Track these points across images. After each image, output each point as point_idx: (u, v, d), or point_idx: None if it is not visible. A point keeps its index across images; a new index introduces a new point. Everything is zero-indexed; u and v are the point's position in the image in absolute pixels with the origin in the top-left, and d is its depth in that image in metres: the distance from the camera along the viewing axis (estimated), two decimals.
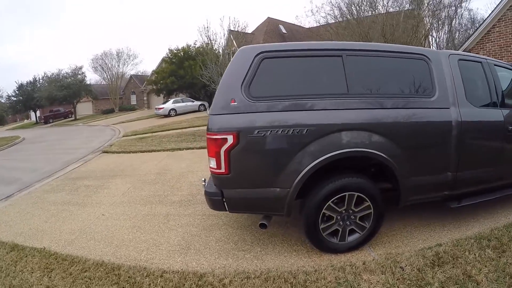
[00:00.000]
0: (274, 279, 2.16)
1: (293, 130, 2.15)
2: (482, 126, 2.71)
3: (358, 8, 9.24)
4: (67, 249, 2.85)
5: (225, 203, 2.29)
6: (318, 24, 12.45)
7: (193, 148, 7.88)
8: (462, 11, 10.90)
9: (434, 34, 8.82)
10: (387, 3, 8.93)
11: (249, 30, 10.88)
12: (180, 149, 7.93)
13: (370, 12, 9.19)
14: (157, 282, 2.19)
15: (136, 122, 19.04)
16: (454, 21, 8.99)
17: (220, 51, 11.04)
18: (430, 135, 2.51)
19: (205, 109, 21.58)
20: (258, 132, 2.13)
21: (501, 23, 7.24)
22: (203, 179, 3.21)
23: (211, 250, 2.67)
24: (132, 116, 24.79)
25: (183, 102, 21.08)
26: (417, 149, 2.49)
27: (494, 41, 7.36)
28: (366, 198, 2.41)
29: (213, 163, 2.22)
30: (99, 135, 13.83)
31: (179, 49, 23.24)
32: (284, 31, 25.14)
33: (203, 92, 23.41)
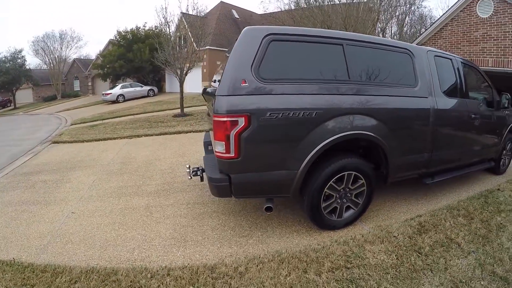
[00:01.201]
0: (288, 260, 2.17)
1: (303, 112, 2.15)
2: (452, 113, 3.11)
3: None
4: (42, 258, 2.38)
5: (232, 188, 2.18)
6: (279, 10, 12.38)
7: (151, 135, 7.45)
8: (415, 8, 11.99)
9: (388, 28, 9.59)
10: None
11: (201, 14, 10.28)
12: (138, 136, 7.39)
13: (331, 1, 9.47)
14: (166, 282, 1.97)
15: (82, 109, 17.54)
16: (407, 17, 9.87)
17: (171, 33, 10.27)
18: (413, 120, 2.81)
19: (154, 94, 20.62)
20: (270, 114, 2.07)
21: (454, 22, 8.14)
22: (187, 165, 3.10)
23: (210, 240, 2.54)
24: (76, 103, 22.85)
25: (131, 87, 19.79)
26: (403, 132, 2.75)
27: (446, 38, 8.27)
28: (361, 177, 2.57)
29: (220, 147, 2.07)
30: (44, 124, 12.20)
31: (128, 31, 21.73)
32: (236, 16, 24.65)
33: (151, 76, 22.37)
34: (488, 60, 7.16)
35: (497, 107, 3.63)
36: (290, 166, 2.23)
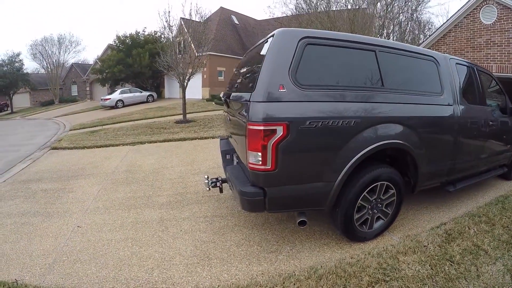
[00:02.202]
0: (326, 276, 2.05)
1: (342, 121, 2.05)
2: (473, 121, 3.09)
3: (325, 5, 9.46)
4: (48, 279, 2.16)
5: (266, 202, 2.03)
6: (285, 15, 12.33)
7: (155, 142, 7.24)
8: (417, 16, 12.20)
9: (392, 34, 9.68)
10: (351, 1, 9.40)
11: (196, 19, 10.19)
12: (141, 142, 7.17)
13: (337, 7, 9.51)
14: None
15: (81, 114, 17.22)
16: (409, 23, 10.01)
17: (173, 38, 10.13)
18: (440, 128, 2.77)
19: (153, 100, 20.53)
20: (309, 123, 1.94)
21: (457, 28, 8.28)
22: (205, 176, 2.97)
23: (237, 257, 2.38)
24: (74, 108, 22.46)
25: (130, 92, 19.58)
26: (431, 140, 2.69)
27: (449, 45, 8.40)
28: (392, 186, 2.50)
29: (255, 158, 1.93)
30: (42, 129, 11.84)
31: (127, 36, 21.57)
32: (236, 21, 24.73)
33: (150, 82, 22.28)
34: (492, 66, 7.29)
35: (510, 113, 3.63)
36: (327, 178, 2.12)
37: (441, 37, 8.49)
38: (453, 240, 2.54)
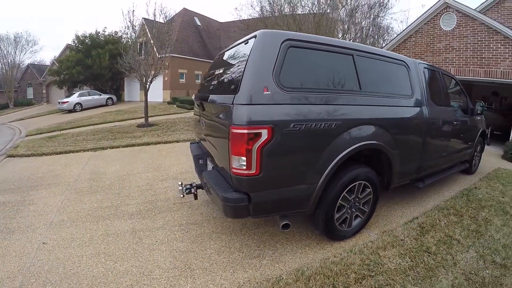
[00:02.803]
0: (314, 277, 2.08)
1: (324, 124, 2.10)
2: (440, 121, 3.36)
3: (291, 8, 9.69)
4: None
5: (250, 208, 2.00)
6: (251, 17, 12.41)
7: (118, 147, 6.88)
8: (379, 21, 12.92)
9: (357, 38, 10.16)
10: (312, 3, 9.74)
11: (160, 19, 9.94)
12: (103, 148, 6.76)
13: (302, 10, 9.79)
14: None
15: (37, 118, 16.16)
16: (371, 28, 10.62)
17: (136, 38, 9.73)
18: (412, 128, 2.97)
19: (113, 103, 19.86)
20: (293, 125, 1.96)
21: (418, 34, 8.92)
22: (179, 182, 2.90)
23: (220, 265, 2.31)
24: (30, 111, 21.16)
25: (89, 95, 18.87)
26: (403, 140, 2.87)
27: (410, 49, 9.03)
28: (369, 185, 2.62)
29: (238, 163, 1.90)
30: None
31: (87, 36, 20.54)
32: (199, 23, 24.47)
33: (109, 84, 21.56)
34: (450, 69, 8.00)
35: (471, 113, 4.01)
36: (310, 180, 2.15)
37: (402, 41, 9.16)
38: (427, 233, 2.74)
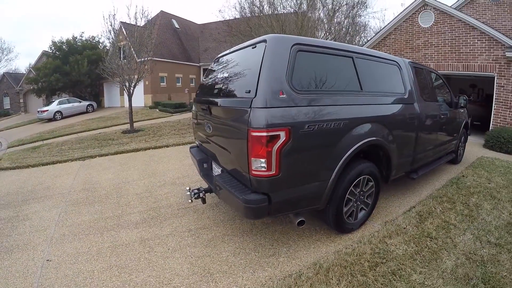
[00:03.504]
0: (332, 269, 2.22)
1: (334, 123, 2.25)
2: (429, 115, 3.61)
3: (271, 8, 9.88)
4: None
5: (270, 208, 2.10)
6: (234, 18, 12.47)
7: (107, 154, 6.79)
8: (358, 20, 13.32)
9: (338, 38, 10.47)
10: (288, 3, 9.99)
11: (142, 23, 9.82)
12: (91, 156, 6.63)
13: (275, 10, 9.97)
14: None
15: (17, 129, 16.01)
16: (350, 27, 10.98)
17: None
18: (406, 124, 3.19)
19: (94, 110, 19.66)
20: (308, 126, 2.09)
21: (397, 31, 9.40)
22: (187, 188, 2.96)
23: (238, 267, 2.39)
24: (8, 122, 21.10)
25: (69, 102, 18.77)
26: (400, 135, 3.09)
27: (390, 46, 9.50)
28: (372, 179, 2.82)
29: (259, 165, 1.99)
30: None
31: (63, 41, 20.13)
32: (177, 26, 24.27)
33: (89, 90, 21.31)
34: (430, 64, 8.50)
35: (455, 106, 4.33)
36: (323, 177, 2.30)
37: (382, 39, 9.61)
38: (425, 220, 2.97)
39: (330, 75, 2.44)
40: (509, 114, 7.34)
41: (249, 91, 2.08)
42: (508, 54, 7.12)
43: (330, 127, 2.22)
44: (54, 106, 17.62)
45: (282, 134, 1.96)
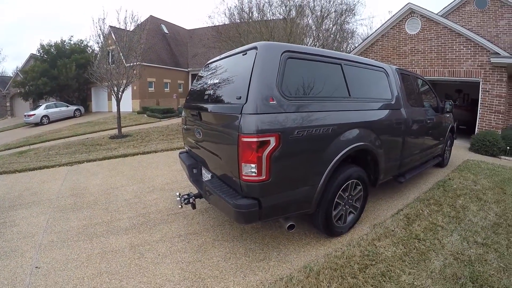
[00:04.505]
0: (322, 272, 2.28)
1: (322, 129, 2.34)
2: (415, 120, 3.76)
3: (260, 14, 10.06)
4: None
5: (261, 212, 2.16)
6: (222, 23, 12.60)
7: (95, 160, 6.76)
8: (346, 27, 13.65)
9: (326, 45, 10.70)
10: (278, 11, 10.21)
11: (131, 27, 9.84)
12: (79, 162, 6.57)
13: (264, 17, 10.15)
14: None
15: (3, 133, 15.78)
16: (337, 34, 11.25)
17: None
18: (394, 129, 3.32)
19: (81, 115, 19.66)
20: (297, 132, 2.17)
21: (384, 38, 9.71)
22: (177, 193, 3.01)
23: (229, 272, 2.43)
24: None
25: (56, 107, 18.67)
26: (387, 140, 3.21)
27: (377, 52, 9.80)
28: (360, 183, 2.92)
29: (249, 170, 2.05)
30: None
31: (52, 45, 20.00)
32: (166, 31, 24.39)
33: (76, 95, 21.20)
34: (416, 70, 8.80)
35: (441, 111, 4.51)
36: (312, 181, 2.37)
37: (369, 46, 9.89)
38: (413, 222, 3.09)
39: (319, 82, 2.53)
40: (494, 118, 7.64)
41: (240, 97, 2.14)
42: (493, 60, 7.44)
43: (319, 132, 2.30)
44: (41, 110, 17.57)
45: (272, 140, 2.03)
